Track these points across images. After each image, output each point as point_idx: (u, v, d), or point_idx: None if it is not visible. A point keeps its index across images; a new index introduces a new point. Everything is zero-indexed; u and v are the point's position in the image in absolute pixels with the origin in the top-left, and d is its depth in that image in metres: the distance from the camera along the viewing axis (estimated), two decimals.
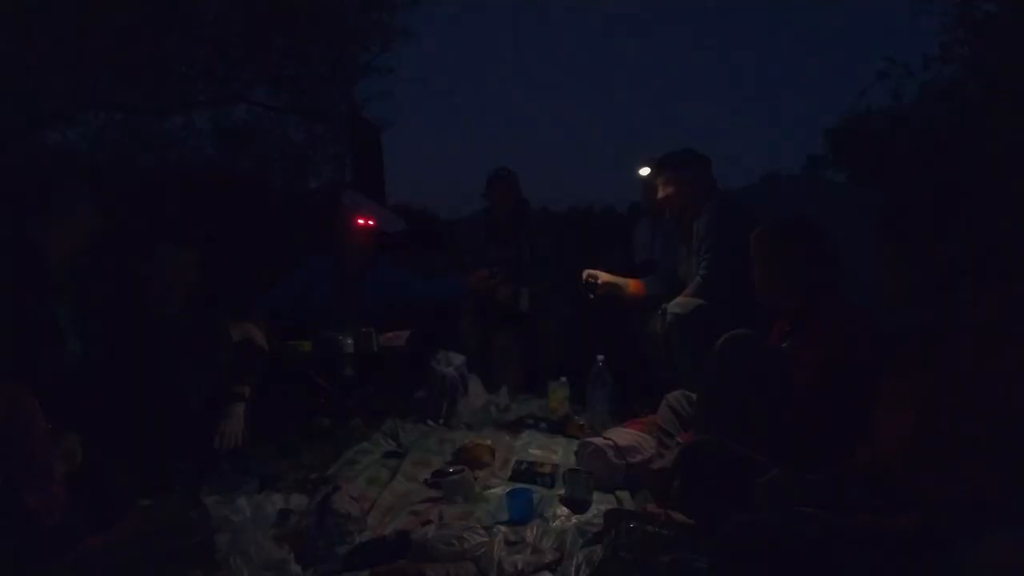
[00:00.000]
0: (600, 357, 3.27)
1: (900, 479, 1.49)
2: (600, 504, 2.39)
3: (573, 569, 1.91)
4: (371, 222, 3.86)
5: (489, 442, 2.99)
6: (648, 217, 4.36)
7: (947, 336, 1.51)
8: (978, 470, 1.36)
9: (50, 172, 2.77)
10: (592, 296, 3.41)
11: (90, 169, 6.39)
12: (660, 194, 3.26)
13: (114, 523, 2.22)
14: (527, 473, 2.69)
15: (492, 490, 2.57)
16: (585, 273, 3.42)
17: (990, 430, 1.36)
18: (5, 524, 1.81)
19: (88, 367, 2.55)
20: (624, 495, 2.49)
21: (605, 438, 2.69)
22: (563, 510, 2.35)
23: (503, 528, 2.18)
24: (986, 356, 1.41)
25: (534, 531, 2.15)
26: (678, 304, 2.96)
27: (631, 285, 3.41)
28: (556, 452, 2.99)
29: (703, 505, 1.87)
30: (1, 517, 1.81)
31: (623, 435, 2.73)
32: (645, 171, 3.47)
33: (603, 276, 3.38)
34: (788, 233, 2.26)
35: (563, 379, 3.46)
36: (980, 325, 1.46)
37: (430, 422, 3.44)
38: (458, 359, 3.61)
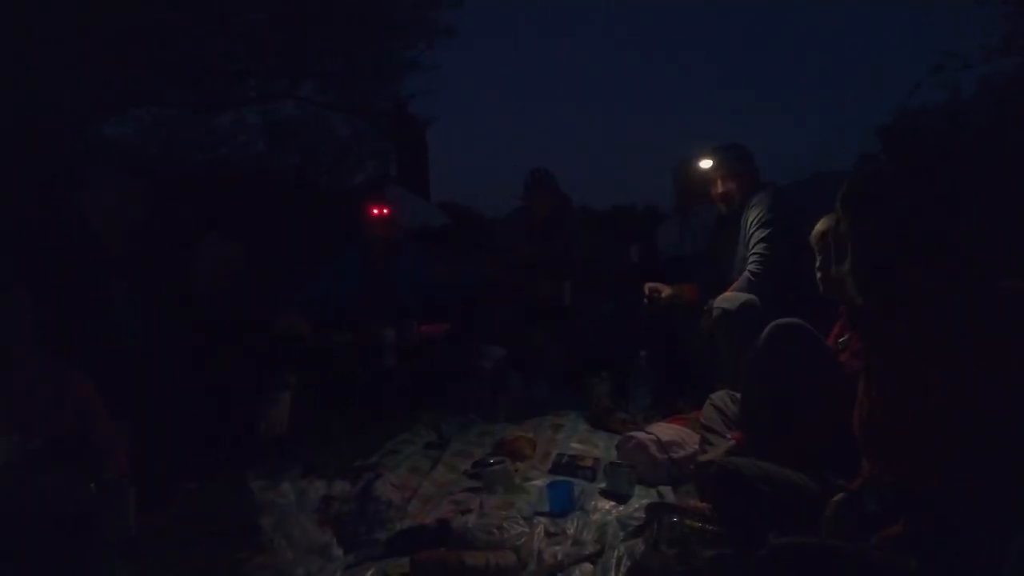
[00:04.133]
0: (643, 352, 3.24)
1: (911, 482, 1.44)
2: (641, 498, 2.37)
3: (614, 561, 1.90)
4: (386, 211, 3.85)
5: (530, 435, 2.98)
6: (676, 215, 4.28)
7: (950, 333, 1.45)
8: (988, 464, 1.32)
9: (91, 156, 2.89)
10: (656, 309, 3.37)
11: (132, 155, 6.57)
12: (720, 189, 3.20)
13: (163, 505, 2.29)
14: (568, 466, 2.68)
15: (533, 482, 2.57)
16: (648, 288, 3.37)
17: (997, 424, 1.32)
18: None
19: (141, 356, 2.63)
20: (666, 490, 2.46)
21: (647, 432, 2.66)
22: (604, 503, 2.34)
23: (543, 519, 2.18)
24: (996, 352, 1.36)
25: (575, 523, 2.14)
26: (725, 299, 2.91)
27: (687, 291, 3.36)
28: (597, 446, 2.98)
29: (738, 526, 1.83)
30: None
31: (666, 430, 2.70)
32: (706, 163, 3.36)
33: (664, 290, 3.33)
34: None
35: (604, 374, 3.44)
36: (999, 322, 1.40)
37: (471, 414, 3.45)
38: (499, 352, 3.61)
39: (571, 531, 2.10)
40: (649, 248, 4.20)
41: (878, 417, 1.46)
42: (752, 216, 3.02)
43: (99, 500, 1.77)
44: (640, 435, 2.65)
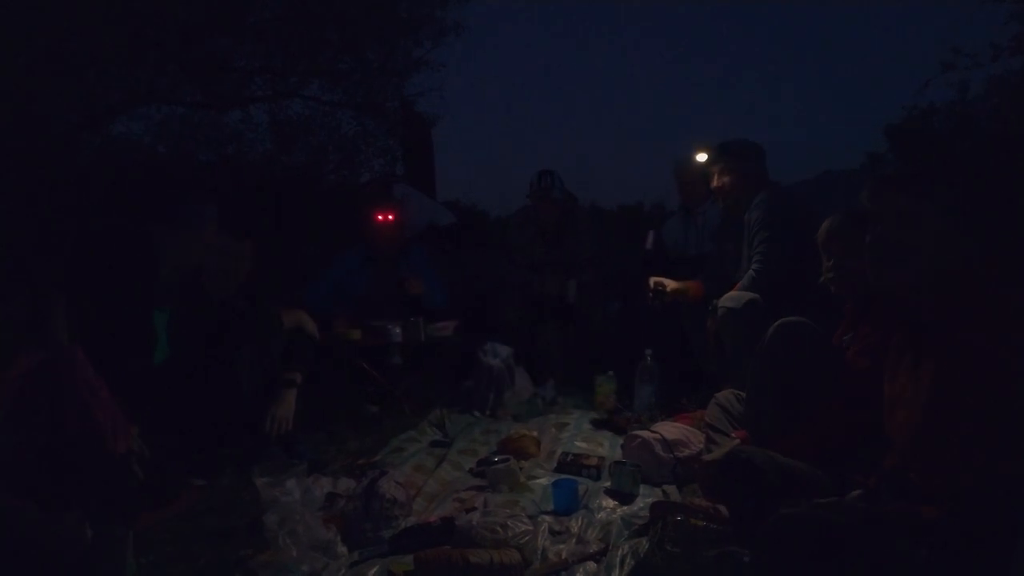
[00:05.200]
0: (648, 351, 3.24)
1: (922, 477, 1.44)
2: (646, 497, 2.37)
3: (618, 560, 1.89)
4: (391, 217, 3.86)
5: (535, 433, 2.98)
6: (680, 212, 4.24)
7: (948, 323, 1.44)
8: (994, 456, 1.31)
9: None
10: (661, 304, 3.36)
11: (141, 153, 6.60)
12: (715, 183, 3.18)
13: (170, 501, 2.30)
14: (573, 465, 2.68)
15: (537, 480, 2.57)
16: (653, 281, 3.35)
17: (998, 415, 1.31)
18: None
19: (166, 367, 2.65)
20: (671, 489, 2.46)
21: (652, 431, 2.66)
22: (609, 502, 2.34)
23: (547, 518, 2.18)
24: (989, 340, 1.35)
25: (579, 522, 2.15)
26: (730, 298, 2.90)
27: (692, 287, 3.34)
28: (602, 445, 2.98)
29: (746, 516, 1.82)
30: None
31: (671, 429, 2.69)
32: (702, 157, 3.33)
33: (670, 284, 3.32)
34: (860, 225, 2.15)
35: (610, 372, 3.44)
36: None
37: (476, 413, 3.46)
38: (505, 351, 3.61)
39: (575, 530, 2.10)
40: (659, 242, 4.17)
41: (926, 417, 1.45)
42: (756, 215, 3.01)
43: (94, 547, 1.78)
44: (645, 434, 2.65)
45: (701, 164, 3.33)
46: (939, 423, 1.43)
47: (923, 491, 1.42)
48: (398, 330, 3.55)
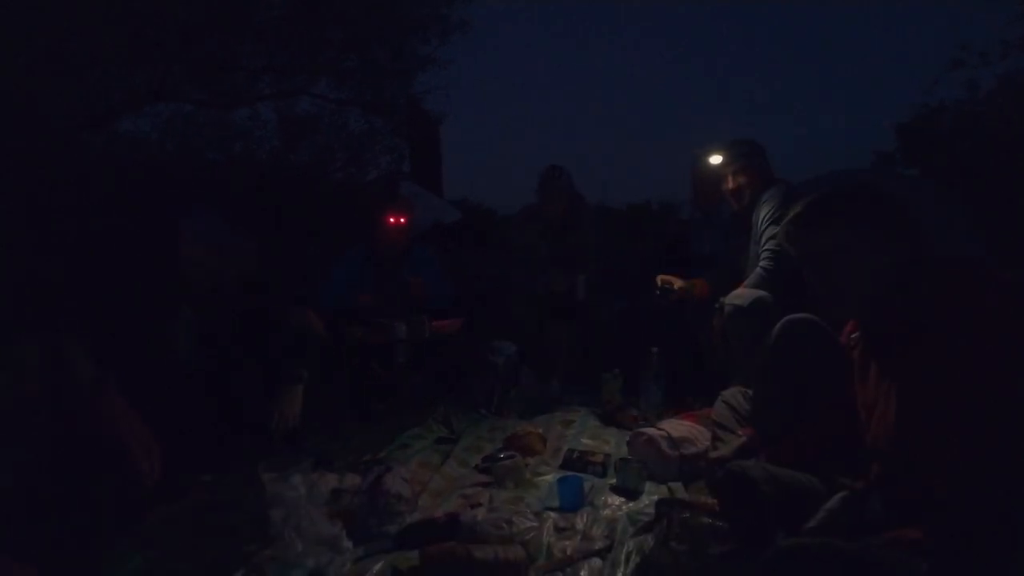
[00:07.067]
0: (654, 349, 3.23)
1: (907, 485, 1.43)
2: (652, 494, 2.36)
3: (623, 557, 1.89)
4: (403, 220, 3.86)
5: (540, 430, 2.98)
6: (695, 211, 4.23)
7: (927, 328, 1.42)
8: (979, 465, 1.30)
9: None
10: (667, 302, 3.36)
11: (149, 151, 6.62)
12: (731, 184, 3.17)
13: (177, 497, 2.31)
14: (578, 462, 2.68)
15: (543, 477, 2.57)
16: (660, 279, 3.35)
17: (980, 421, 1.30)
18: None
19: (187, 369, 2.66)
20: (677, 486, 2.46)
21: (658, 429, 2.65)
22: (614, 499, 2.34)
23: (553, 514, 2.18)
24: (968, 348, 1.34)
25: (584, 518, 2.14)
26: (737, 296, 2.89)
27: (698, 286, 3.34)
28: (608, 442, 2.98)
29: (745, 529, 1.81)
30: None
31: (677, 426, 2.69)
32: (716, 159, 3.33)
33: (676, 282, 3.32)
34: None
35: (616, 370, 3.44)
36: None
37: (482, 410, 3.46)
38: (511, 348, 3.61)
39: (581, 526, 2.10)
40: (680, 239, 4.16)
41: (904, 430, 1.44)
42: (763, 212, 2.99)
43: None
44: (651, 431, 2.64)
45: (715, 166, 3.32)
46: (914, 433, 1.42)
47: (914, 500, 1.40)
48: (403, 328, 3.55)
